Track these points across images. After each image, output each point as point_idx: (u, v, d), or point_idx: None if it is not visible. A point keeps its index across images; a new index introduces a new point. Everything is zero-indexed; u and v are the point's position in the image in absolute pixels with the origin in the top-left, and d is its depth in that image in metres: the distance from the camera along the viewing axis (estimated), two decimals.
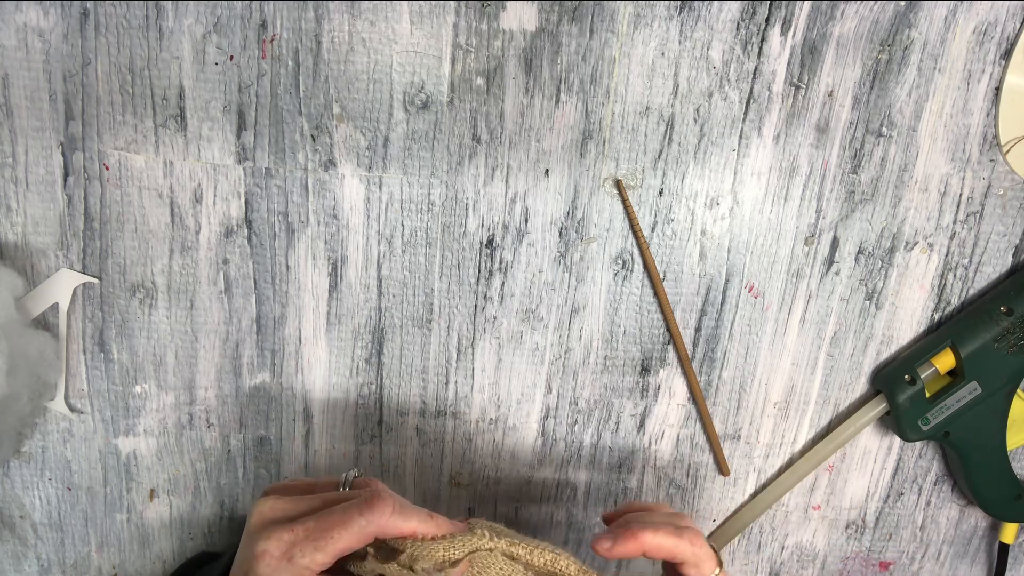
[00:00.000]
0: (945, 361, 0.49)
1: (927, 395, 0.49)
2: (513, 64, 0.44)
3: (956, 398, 0.49)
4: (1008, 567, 0.56)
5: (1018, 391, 0.50)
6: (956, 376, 0.49)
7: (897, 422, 0.50)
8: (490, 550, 0.36)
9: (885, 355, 0.52)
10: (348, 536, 0.32)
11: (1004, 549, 0.55)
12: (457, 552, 0.35)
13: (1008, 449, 0.50)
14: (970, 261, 0.51)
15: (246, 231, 0.45)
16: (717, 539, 0.54)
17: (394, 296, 0.47)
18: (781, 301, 0.50)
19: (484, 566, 0.36)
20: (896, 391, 0.50)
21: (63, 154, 0.43)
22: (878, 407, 0.51)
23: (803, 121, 0.47)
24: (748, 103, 0.46)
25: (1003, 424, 0.50)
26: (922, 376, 0.49)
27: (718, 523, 0.55)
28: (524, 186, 0.46)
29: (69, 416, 0.47)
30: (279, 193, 0.45)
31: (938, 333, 0.50)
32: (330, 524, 0.32)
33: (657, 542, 0.36)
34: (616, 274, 0.48)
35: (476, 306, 0.48)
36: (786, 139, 0.47)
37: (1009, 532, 0.54)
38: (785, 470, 0.53)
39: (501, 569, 0.36)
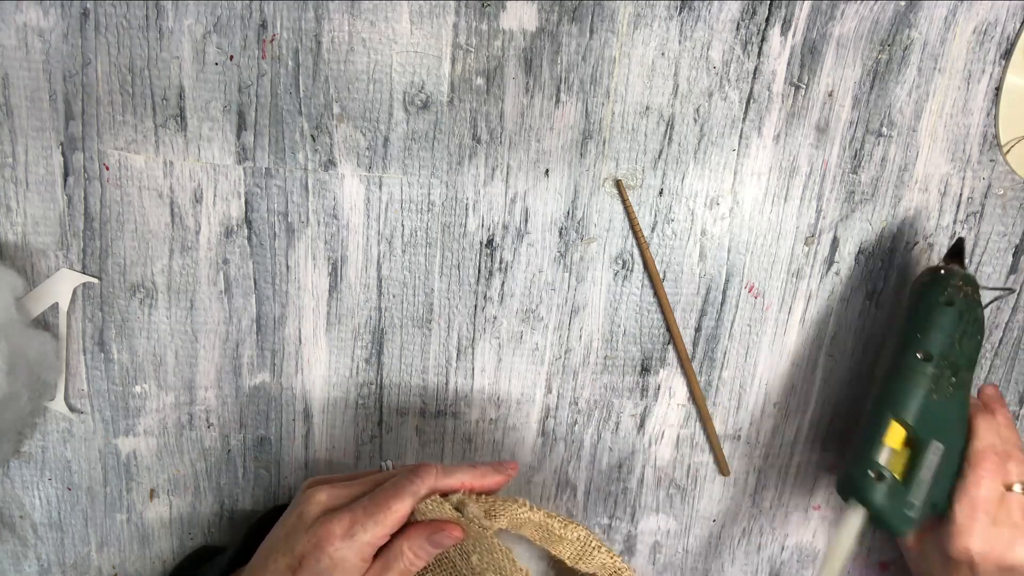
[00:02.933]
0: (895, 436, 0.44)
1: (900, 480, 0.43)
2: (513, 64, 0.44)
3: (927, 467, 0.43)
4: None
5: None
6: (914, 446, 0.44)
7: (885, 524, 0.43)
8: (528, 519, 0.39)
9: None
10: (403, 505, 0.35)
11: None
12: (500, 511, 0.38)
13: None
14: (970, 261, 0.51)
15: (246, 231, 0.45)
16: None
17: (394, 296, 0.47)
18: (781, 301, 0.50)
19: (518, 524, 0.39)
20: (869, 494, 0.43)
21: (63, 154, 0.43)
22: (857, 517, 0.44)
23: (803, 121, 0.47)
24: (748, 103, 0.46)
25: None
26: (884, 464, 0.43)
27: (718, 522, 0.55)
28: (524, 186, 0.46)
29: (69, 416, 0.47)
30: (279, 193, 0.45)
31: (874, 412, 0.45)
32: (385, 498, 0.35)
33: None
34: (616, 274, 0.48)
35: (476, 306, 0.48)
36: (786, 139, 0.47)
37: None
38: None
39: (533, 533, 0.40)
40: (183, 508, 0.50)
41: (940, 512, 0.44)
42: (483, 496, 0.39)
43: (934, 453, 0.43)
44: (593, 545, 0.40)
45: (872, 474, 0.43)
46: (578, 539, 0.40)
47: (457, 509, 0.37)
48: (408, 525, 0.37)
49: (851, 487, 0.44)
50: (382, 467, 0.40)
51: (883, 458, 0.44)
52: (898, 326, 0.47)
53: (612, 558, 0.40)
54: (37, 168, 0.43)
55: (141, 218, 0.44)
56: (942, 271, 0.45)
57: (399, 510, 0.35)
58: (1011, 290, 0.50)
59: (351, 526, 0.34)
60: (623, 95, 0.45)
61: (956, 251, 0.47)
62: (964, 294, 0.44)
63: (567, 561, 0.40)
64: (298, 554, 0.34)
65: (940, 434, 0.43)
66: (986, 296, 0.48)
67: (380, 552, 0.36)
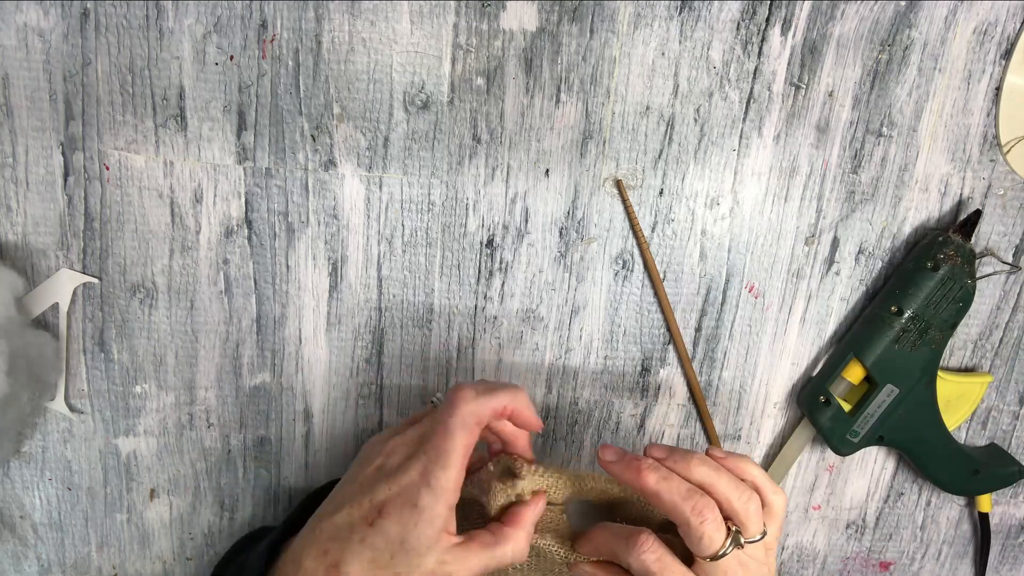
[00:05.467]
0: (855, 372, 0.49)
1: (847, 409, 0.49)
2: (513, 64, 0.44)
3: (877, 404, 0.49)
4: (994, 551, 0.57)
5: (940, 374, 0.49)
6: (871, 383, 0.49)
7: (827, 442, 0.50)
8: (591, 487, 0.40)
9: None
10: (457, 442, 0.34)
11: (984, 518, 0.55)
12: (565, 484, 0.39)
13: (951, 429, 0.50)
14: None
15: (246, 231, 0.45)
16: None
17: (394, 296, 0.47)
18: (781, 301, 0.50)
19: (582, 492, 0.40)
20: (816, 414, 0.50)
21: (63, 154, 0.43)
22: (808, 429, 0.52)
23: (803, 121, 0.47)
24: (748, 103, 0.46)
25: (934, 411, 0.49)
26: (836, 393, 0.49)
27: None
28: (524, 186, 0.46)
29: (69, 416, 0.47)
30: (279, 193, 0.45)
31: (840, 348, 0.50)
32: (437, 442, 0.34)
33: (656, 489, 0.35)
34: (616, 274, 0.48)
35: (476, 306, 0.48)
36: (786, 139, 0.47)
37: (984, 502, 0.54)
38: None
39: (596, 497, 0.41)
40: (183, 508, 0.50)
41: (888, 445, 0.51)
42: (540, 468, 0.39)
43: (888, 395, 0.48)
44: (632, 496, 0.41)
45: (822, 399, 0.50)
46: (620, 492, 0.41)
47: (513, 474, 0.38)
48: (514, 515, 0.37)
49: (804, 405, 0.51)
50: (433, 402, 0.39)
51: (838, 388, 0.50)
52: (885, 286, 0.50)
53: None
54: (37, 168, 0.43)
55: (141, 218, 0.44)
56: (940, 238, 0.47)
57: (456, 449, 0.34)
58: (1018, 267, 0.50)
59: (426, 473, 0.34)
60: (623, 95, 0.45)
61: (967, 223, 0.48)
62: (953, 263, 0.46)
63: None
64: (378, 503, 0.34)
65: (896, 379, 0.48)
66: (989, 267, 0.50)
67: (492, 530, 0.36)
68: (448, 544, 0.34)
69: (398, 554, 0.33)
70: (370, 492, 0.34)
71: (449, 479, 0.34)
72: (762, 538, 0.36)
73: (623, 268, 0.48)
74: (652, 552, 0.35)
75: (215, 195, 0.44)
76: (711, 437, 0.52)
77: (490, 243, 0.47)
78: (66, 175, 0.43)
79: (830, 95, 0.46)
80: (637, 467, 0.36)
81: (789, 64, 0.45)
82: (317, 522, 0.36)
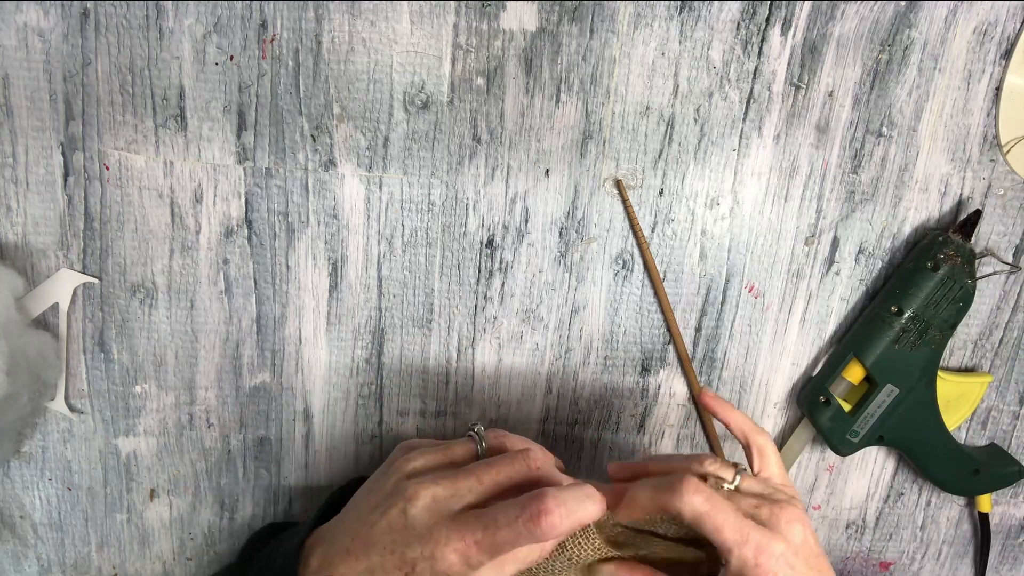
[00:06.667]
0: (855, 372, 0.49)
1: (847, 409, 0.49)
2: (513, 64, 0.44)
3: (876, 404, 0.49)
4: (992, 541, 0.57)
5: (940, 374, 0.49)
6: (871, 383, 0.49)
7: (827, 442, 0.50)
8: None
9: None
10: (515, 547, 0.33)
11: (984, 518, 0.55)
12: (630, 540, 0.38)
13: (951, 429, 0.50)
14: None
15: (246, 231, 0.45)
16: None
17: (394, 296, 0.47)
18: (781, 301, 0.50)
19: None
20: (815, 414, 0.50)
21: (63, 154, 0.43)
22: (808, 429, 0.52)
23: (803, 121, 0.47)
24: (748, 103, 0.46)
25: (935, 411, 0.50)
26: (836, 393, 0.50)
27: None
28: (524, 186, 0.46)
29: (69, 416, 0.47)
30: (279, 193, 0.45)
31: (840, 348, 0.50)
32: (501, 539, 0.32)
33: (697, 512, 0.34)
34: (616, 274, 0.48)
35: (476, 306, 0.48)
36: (786, 139, 0.47)
37: (984, 502, 0.54)
38: None
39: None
40: (183, 508, 0.50)
41: (888, 445, 0.51)
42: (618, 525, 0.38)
43: (888, 395, 0.48)
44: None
45: (822, 399, 0.50)
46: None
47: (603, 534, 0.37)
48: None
49: (804, 405, 0.51)
50: (471, 435, 0.38)
51: (838, 388, 0.50)
52: (885, 286, 0.50)
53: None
54: (37, 168, 0.43)
55: (141, 218, 0.44)
56: (940, 238, 0.47)
57: (511, 551, 0.33)
58: (1018, 267, 0.50)
59: (464, 554, 0.33)
60: (623, 95, 0.45)
61: (967, 223, 0.48)
62: (953, 263, 0.46)
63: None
64: (409, 560, 0.33)
65: (896, 379, 0.48)
66: (989, 267, 0.50)
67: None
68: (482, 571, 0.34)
69: None
70: (401, 544, 0.34)
71: (487, 568, 0.34)
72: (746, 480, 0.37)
73: (623, 268, 0.48)
74: (699, 493, 0.34)
75: (215, 195, 0.44)
76: (711, 437, 0.52)
77: (490, 243, 0.47)
78: (66, 175, 0.43)
79: (830, 95, 0.46)
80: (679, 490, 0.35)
81: (789, 64, 0.45)
82: (354, 542, 0.36)
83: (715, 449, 0.53)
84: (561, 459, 0.41)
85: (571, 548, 0.37)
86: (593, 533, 0.37)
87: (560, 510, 0.32)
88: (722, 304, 0.50)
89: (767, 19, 0.45)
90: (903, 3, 0.45)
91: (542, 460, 0.37)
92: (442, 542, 0.33)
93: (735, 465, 0.38)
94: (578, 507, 0.32)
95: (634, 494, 0.36)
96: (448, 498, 0.34)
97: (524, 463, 0.36)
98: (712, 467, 0.37)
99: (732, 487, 0.37)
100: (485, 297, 0.48)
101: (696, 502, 0.34)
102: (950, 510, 0.56)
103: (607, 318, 0.49)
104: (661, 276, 0.48)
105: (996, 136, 0.48)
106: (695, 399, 0.51)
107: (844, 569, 0.58)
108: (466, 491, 0.35)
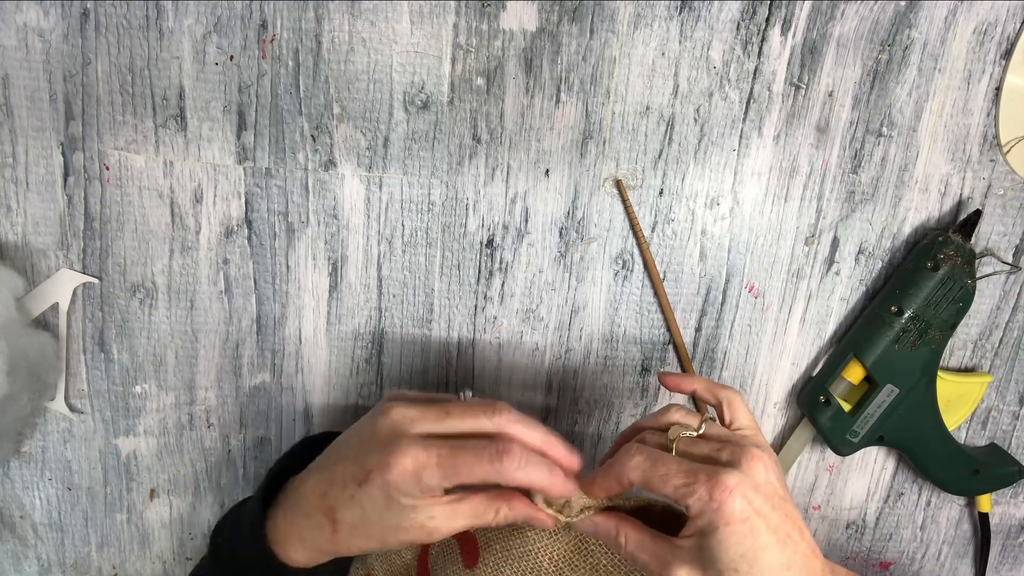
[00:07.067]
0: (855, 372, 0.49)
1: (847, 409, 0.49)
2: (513, 64, 0.44)
3: (876, 404, 0.49)
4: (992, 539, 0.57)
5: (940, 374, 0.49)
6: (871, 383, 0.49)
7: (827, 442, 0.50)
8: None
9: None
10: (472, 477, 0.34)
11: (984, 518, 0.55)
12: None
13: (951, 429, 0.50)
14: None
15: (246, 231, 0.45)
16: None
17: (394, 296, 0.47)
18: (781, 301, 0.50)
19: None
20: (815, 414, 0.50)
21: (63, 154, 0.43)
22: (808, 429, 0.52)
23: (803, 121, 0.47)
24: (748, 103, 0.46)
25: (934, 412, 0.50)
26: (836, 393, 0.49)
27: None
28: (524, 186, 0.46)
29: (69, 416, 0.47)
30: (279, 193, 0.45)
31: (840, 348, 0.50)
32: (461, 462, 0.34)
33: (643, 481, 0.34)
34: (616, 274, 0.48)
35: (476, 306, 0.48)
36: (786, 139, 0.47)
37: (984, 502, 0.54)
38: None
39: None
40: (183, 508, 0.50)
41: (888, 445, 0.51)
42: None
43: (888, 395, 0.48)
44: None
45: (822, 399, 0.50)
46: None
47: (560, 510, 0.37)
48: (513, 492, 0.37)
49: (804, 406, 0.51)
50: (460, 396, 0.39)
51: (838, 388, 0.50)
52: (885, 287, 0.50)
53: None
54: (37, 168, 0.43)
55: (141, 218, 0.44)
56: (940, 238, 0.47)
57: (465, 479, 0.34)
58: (1018, 267, 0.50)
59: (421, 468, 0.34)
60: (623, 95, 0.45)
61: (967, 223, 0.48)
62: (953, 263, 0.46)
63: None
64: (367, 467, 0.34)
65: (896, 379, 0.48)
66: (989, 267, 0.50)
67: (468, 491, 0.36)
68: (439, 501, 0.35)
69: (386, 513, 0.34)
70: (363, 453, 0.35)
71: (439, 488, 0.34)
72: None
73: (623, 268, 0.48)
74: (639, 454, 0.34)
75: (215, 195, 0.44)
76: None
77: (490, 243, 0.47)
78: (66, 175, 0.43)
79: (830, 95, 0.46)
80: (617, 477, 0.35)
81: (789, 64, 0.45)
82: (324, 461, 0.37)
83: None
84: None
85: (530, 533, 0.38)
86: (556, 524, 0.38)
87: (523, 458, 0.34)
88: (722, 304, 0.50)
89: (767, 19, 0.45)
90: (903, 3, 0.45)
91: (516, 461, 0.36)
92: (400, 451, 0.34)
93: (703, 415, 0.37)
94: (538, 467, 0.34)
95: (591, 478, 0.37)
96: (416, 418, 0.35)
97: (492, 410, 0.36)
98: (677, 415, 0.37)
99: (696, 434, 0.36)
100: (485, 297, 0.48)
101: (638, 463, 0.34)
102: (950, 510, 0.56)
103: (607, 318, 0.49)
104: (661, 276, 0.48)
105: (996, 136, 0.48)
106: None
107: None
108: (433, 418, 0.36)
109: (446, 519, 0.35)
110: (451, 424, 0.35)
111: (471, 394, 0.39)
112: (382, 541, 0.35)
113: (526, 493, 0.37)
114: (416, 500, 0.34)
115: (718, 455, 0.34)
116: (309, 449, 0.40)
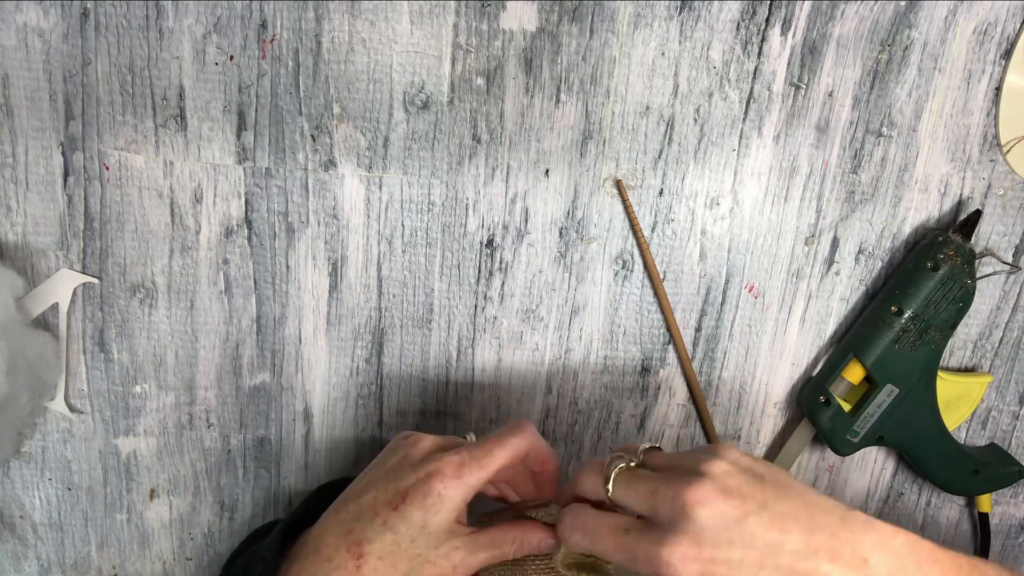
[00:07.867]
0: (855, 372, 0.49)
1: (847, 409, 0.49)
2: (513, 64, 0.44)
3: (876, 404, 0.48)
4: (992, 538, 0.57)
5: (940, 374, 0.49)
6: (871, 383, 0.49)
7: (827, 442, 0.50)
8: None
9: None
10: (505, 454, 0.36)
11: (984, 518, 0.55)
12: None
13: (951, 429, 0.50)
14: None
15: (246, 231, 0.45)
16: None
17: (394, 296, 0.47)
18: (781, 301, 0.50)
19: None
20: (815, 414, 0.50)
21: (63, 154, 0.43)
22: (808, 429, 0.51)
23: (803, 121, 0.47)
24: (748, 103, 0.46)
25: (934, 412, 0.49)
26: (836, 393, 0.49)
27: None
28: (524, 186, 0.46)
29: (69, 416, 0.47)
30: (279, 193, 0.45)
31: (840, 348, 0.50)
32: (490, 446, 0.36)
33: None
34: (616, 274, 0.48)
35: (476, 306, 0.48)
36: (786, 139, 0.47)
37: (984, 502, 0.54)
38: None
39: None
40: (183, 508, 0.50)
41: (888, 446, 0.51)
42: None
43: (888, 395, 0.48)
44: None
45: (822, 399, 0.50)
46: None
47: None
48: (522, 519, 0.38)
49: (804, 406, 0.51)
50: (466, 439, 0.40)
51: (838, 388, 0.50)
52: (885, 286, 0.50)
53: None
54: (37, 168, 0.43)
55: (141, 218, 0.44)
56: (940, 238, 0.47)
57: (501, 458, 0.36)
58: (1018, 267, 0.50)
59: (460, 467, 0.35)
60: (623, 95, 0.45)
61: (967, 223, 0.48)
62: (953, 263, 0.46)
63: None
64: (402, 489, 0.35)
65: (896, 379, 0.48)
66: (989, 267, 0.50)
67: (485, 525, 0.37)
68: (463, 532, 0.36)
69: (418, 538, 0.35)
70: (396, 479, 0.36)
71: (480, 479, 0.36)
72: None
73: (623, 268, 0.48)
74: (575, 530, 0.34)
75: (215, 195, 0.44)
76: (711, 437, 0.52)
77: (490, 243, 0.47)
78: (66, 175, 0.43)
79: (830, 95, 0.46)
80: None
81: (789, 64, 0.45)
82: (343, 503, 0.37)
83: None
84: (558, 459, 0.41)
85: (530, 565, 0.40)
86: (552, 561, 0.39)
87: (536, 429, 0.38)
88: (722, 304, 0.50)
89: (767, 19, 0.45)
90: (903, 3, 0.45)
91: (533, 428, 0.39)
92: (439, 461, 0.36)
93: (640, 447, 0.36)
94: (546, 445, 0.39)
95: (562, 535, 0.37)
96: (446, 445, 0.38)
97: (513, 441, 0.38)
98: (616, 454, 0.35)
99: (634, 464, 0.35)
100: (485, 297, 0.48)
101: (576, 540, 0.34)
102: (950, 510, 0.56)
103: (607, 318, 0.49)
104: (661, 276, 0.49)
105: (996, 136, 0.48)
106: (695, 399, 0.51)
107: None
108: (454, 444, 0.38)
109: (468, 550, 0.36)
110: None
111: (474, 437, 0.40)
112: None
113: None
114: (449, 518, 0.35)
115: (654, 504, 0.31)
116: (324, 497, 0.40)
